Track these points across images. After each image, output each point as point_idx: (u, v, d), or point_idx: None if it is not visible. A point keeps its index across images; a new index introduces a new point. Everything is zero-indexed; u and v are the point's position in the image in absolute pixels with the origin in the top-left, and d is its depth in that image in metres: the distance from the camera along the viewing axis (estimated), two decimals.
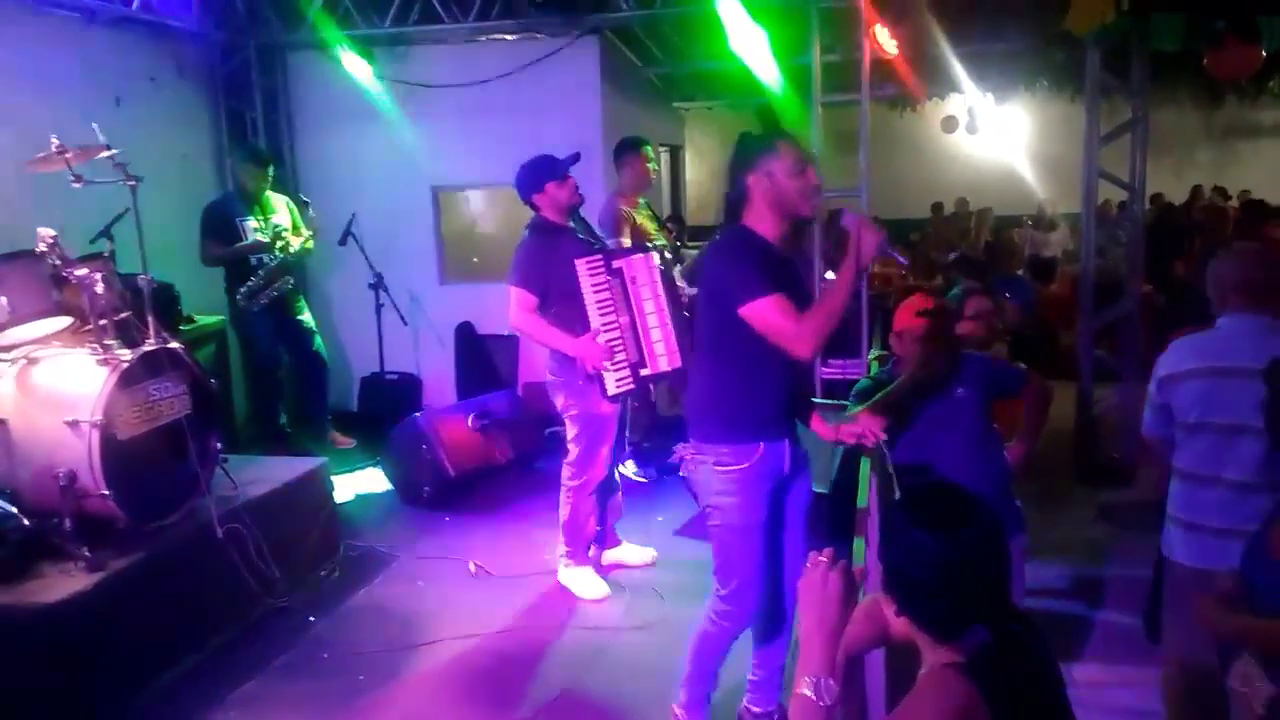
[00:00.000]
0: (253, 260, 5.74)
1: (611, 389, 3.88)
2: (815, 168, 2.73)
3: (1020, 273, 9.00)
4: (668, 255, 4.87)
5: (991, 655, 1.52)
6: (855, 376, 4.93)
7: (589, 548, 4.39)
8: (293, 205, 5.99)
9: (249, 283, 5.71)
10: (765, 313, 2.57)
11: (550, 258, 3.96)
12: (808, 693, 1.55)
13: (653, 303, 3.97)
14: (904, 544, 1.52)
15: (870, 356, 5.73)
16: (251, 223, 5.74)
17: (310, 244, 5.93)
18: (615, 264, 3.93)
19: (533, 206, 4.13)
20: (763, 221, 2.73)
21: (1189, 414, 2.70)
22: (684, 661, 3.00)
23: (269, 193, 5.90)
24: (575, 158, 4.14)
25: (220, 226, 5.72)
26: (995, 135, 12.60)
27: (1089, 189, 5.82)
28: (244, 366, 6.23)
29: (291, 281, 5.94)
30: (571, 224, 4.14)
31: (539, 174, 4.07)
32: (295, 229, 5.90)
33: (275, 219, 5.83)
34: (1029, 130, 12.82)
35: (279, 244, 5.75)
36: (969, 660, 1.51)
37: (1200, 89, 11.05)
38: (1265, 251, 2.92)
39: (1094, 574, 4.45)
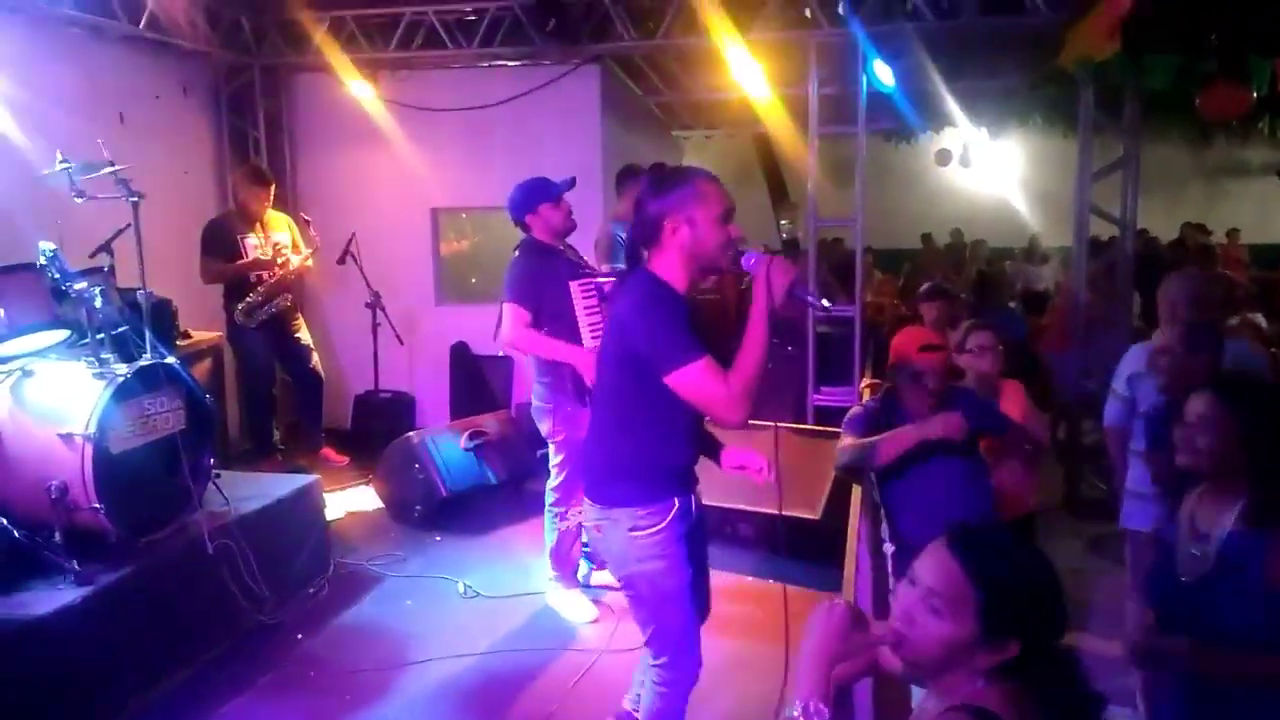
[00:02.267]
0: (251, 277, 5.76)
1: None
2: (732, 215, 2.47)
3: (1012, 305, 9.07)
4: None
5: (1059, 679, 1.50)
6: (847, 404, 4.96)
7: (577, 570, 4.40)
8: (293, 224, 6.03)
9: (247, 299, 5.73)
10: (695, 381, 2.32)
11: (543, 277, 3.96)
12: (797, 715, 1.56)
13: None
14: (1028, 597, 1.47)
15: (862, 385, 5.77)
16: (252, 240, 5.77)
17: (310, 262, 5.96)
18: (606, 289, 3.95)
19: (524, 227, 4.12)
20: (671, 270, 2.45)
21: (1148, 404, 3.32)
22: None
23: (270, 211, 5.94)
24: (571, 182, 4.14)
25: (220, 243, 5.74)
26: (988, 169, 12.74)
27: (1080, 224, 5.90)
28: (238, 382, 6.24)
29: (290, 299, 5.96)
30: (563, 249, 4.14)
31: (533, 195, 4.07)
32: (295, 247, 5.94)
33: (275, 237, 5.86)
34: (1022, 165, 12.96)
35: (278, 261, 5.79)
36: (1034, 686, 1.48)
37: (1191, 128, 11.20)
38: (1205, 274, 3.69)
39: (1081, 606, 4.46)
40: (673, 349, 2.33)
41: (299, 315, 6.17)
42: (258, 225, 5.83)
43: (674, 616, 2.61)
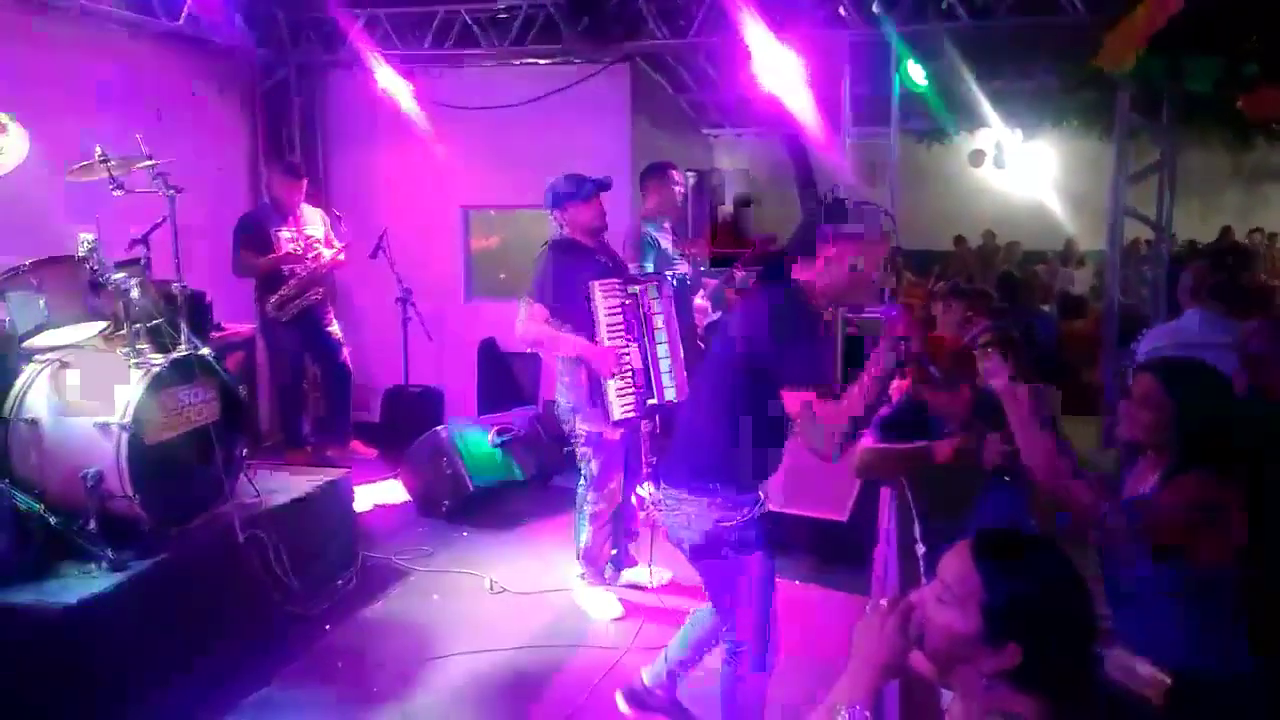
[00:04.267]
0: (284, 271, 5.82)
1: (616, 414, 3.87)
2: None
3: (1046, 308, 8.98)
4: (688, 281, 4.89)
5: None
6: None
7: (606, 569, 4.40)
8: (326, 218, 6.09)
9: (279, 293, 5.79)
10: (803, 405, 2.50)
11: (566, 275, 3.93)
12: (842, 717, 1.58)
13: (665, 333, 3.97)
14: (1036, 603, 1.48)
15: (891, 386, 5.72)
16: (285, 234, 5.82)
17: (342, 257, 6.01)
18: (632, 289, 3.94)
19: (557, 222, 4.13)
20: (822, 286, 2.65)
21: None
22: None
23: (303, 205, 6.00)
24: (606, 183, 4.12)
25: (254, 237, 5.81)
26: (1022, 171, 12.59)
27: (1115, 227, 5.82)
28: (270, 375, 6.31)
29: (321, 293, 6.01)
30: (594, 246, 4.12)
31: (563, 191, 4.07)
32: (328, 241, 5.99)
33: (308, 231, 5.92)
34: (1056, 167, 12.79)
35: (309, 256, 5.84)
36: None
37: (1229, 130, 11.01)
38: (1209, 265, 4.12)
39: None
40: (800, 367, 2.52)
41: (330, 309, 6.22)
42: (291, 219, 5.89)
43: (760, 600, 2.76)
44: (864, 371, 2.56)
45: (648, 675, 3.24)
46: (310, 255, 5.84)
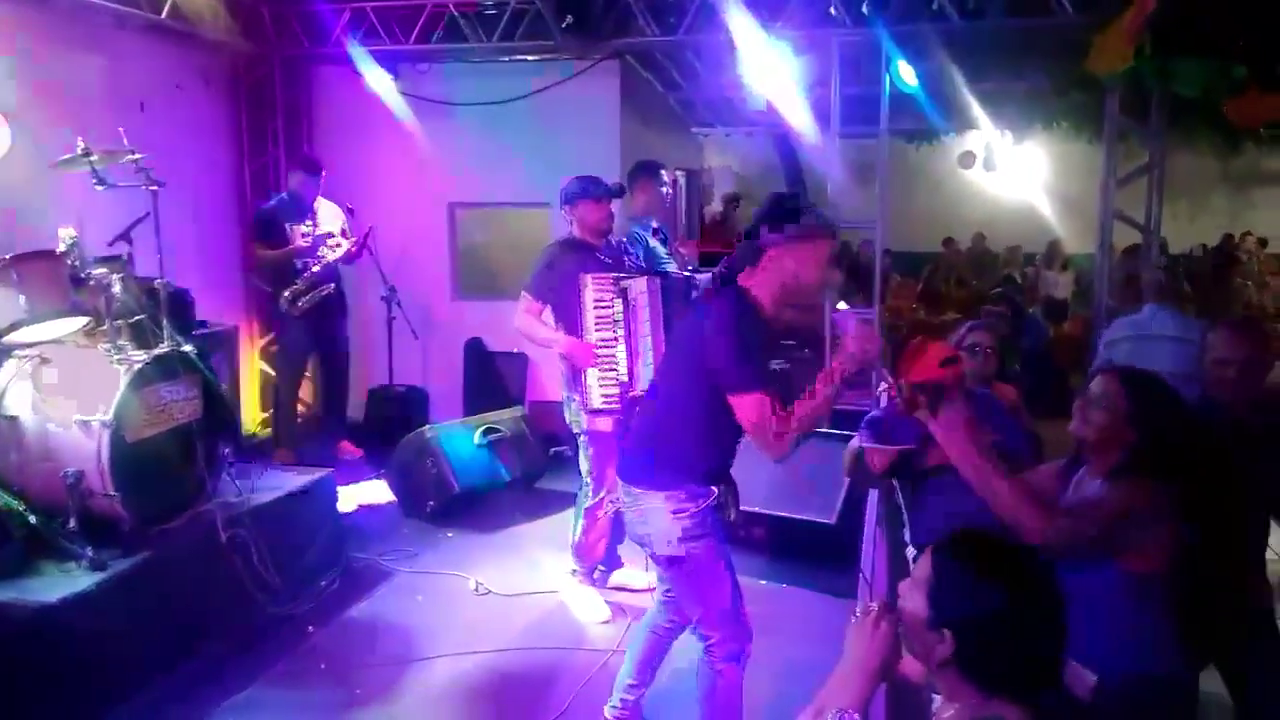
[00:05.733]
0: (297, 265, 5.88)
1: (595, 402, 3.95)
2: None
3: (1032, 311, 9.00)
4: (679, 278, 4.88)
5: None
6: (864, 408, 4.91)
7: (595, 570, 4.39)
8: (343, 214, 6.11)
9: (292, 286, 5.84)
10: (755, 409, 2.55)
11: (564, 272, 4.04)
12: None
13: (649, 325, 4.01)
14: (970, 591, 1.53)
15: (880, 389, 5.72)
16: (299, 228, 5.89)
17: (340, 251, 6.00)
18: (623, 283, 3.98)
19: (567, 220, 4.23)
20: (764, 292, 2.66)
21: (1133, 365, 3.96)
22: None
23: (321, 200, 6.02)
24: (619, 189, 4.30)
25: (268, 230, 5.92)
26: (1012, 173, 12.62)
27: (1104, 230, 5.83)
28: (276, 368, 6.42)
29: (332, 288, 6.02)
30: (599, 246, 4.18)
31: (577, 190, 4.17)
32: (346, 236, 6.03)
33: (325, 226, 5.96)
34: (1046, 169, 12.82)
35: (319, 250, 5.89)
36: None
37: (1218, 135, 11.05)
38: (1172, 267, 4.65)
39: None
40: (745, 374, 2.55)
41: (343, 306, 6.25)
42: (308, 214, 5.95)
43: (720, 590, 2.77)
44: (819, 382, 2.60)
45: (608, 710, 3.23)
46: (319, 250, 5.88)
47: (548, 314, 4.16)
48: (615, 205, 4.32)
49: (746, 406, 2.56)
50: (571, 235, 4.21)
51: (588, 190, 4.15)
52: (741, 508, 4.77)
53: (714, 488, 2.74)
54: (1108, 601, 2.21)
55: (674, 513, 2.69)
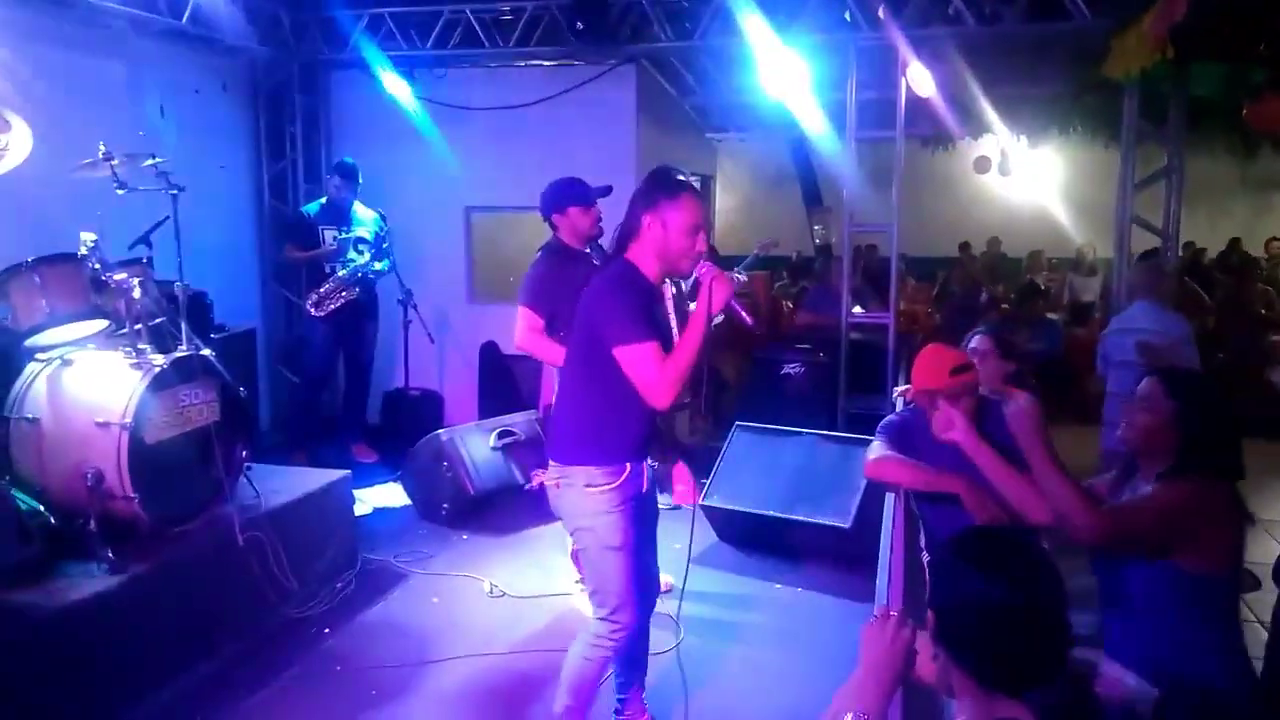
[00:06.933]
0: (326, 268, 5.98)
1: None
2: (706, 235, 2.78)
3: (1052, 316, 8.94)
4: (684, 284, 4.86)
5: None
6: (880, 412, 4.90)
7: None
8: (381, 223, 6.15)
9: (320, 289, 5.95)
10: (635, 360, 2.63)
11: (561, 281, 3.83)
12: None
13: (677, 328, 3.95)
14: (960, 589, 1.54)
15: (896, 393, 5.70)
16: (330, 232, 6.01)
17: (366, 258, 6.06)
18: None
19: (551, 226, 4.08)
20: (645, 261, 2.76)
21: (1114, 356, 4.79)
22: (561, 694, 2.99)
23: (359, 206, 6.08)
24: (606, 190, 4.09)
25: (300, 231, 6.08)
26: (1027, 177, 12.55)
27: (1122, 235, 5.80)
28: (301, 368, 6.50)
29: (356, 292, 6.06)
30: (589, 252, 4.07)
31: (565, 195, 4.02)
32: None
33: (358, 232, 6.04)
34: (1062, 174, 12.75)
35: (343, 256, 5.99)
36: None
37: (1236, 139, 10.97)
38: (1157, 264, 5.33)
39: None
40: (624, 328, 2.64)
41: (373, 310, 6.31)
42: (342, 220, 6.06)
43: (616, 569, 2.81)
44: (688, 326, 2.70)
45: (613, 714, 3.23)
46: (346, 254, 5.98)
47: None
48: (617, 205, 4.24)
49: (629, 358, 2.63)
50: (556, 241, 4.05)
51: (579, 195, 4.00)
52: (756, 511, 4.84)
53: (628, 463, 2.78)
54: (1165, 605, 2.19)
55: (585, 485, 2.77)
